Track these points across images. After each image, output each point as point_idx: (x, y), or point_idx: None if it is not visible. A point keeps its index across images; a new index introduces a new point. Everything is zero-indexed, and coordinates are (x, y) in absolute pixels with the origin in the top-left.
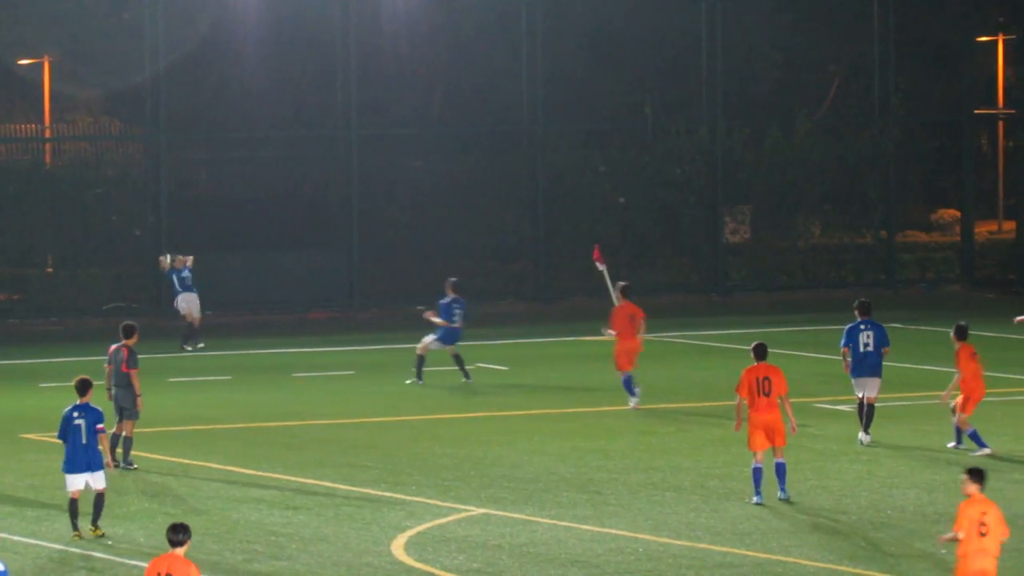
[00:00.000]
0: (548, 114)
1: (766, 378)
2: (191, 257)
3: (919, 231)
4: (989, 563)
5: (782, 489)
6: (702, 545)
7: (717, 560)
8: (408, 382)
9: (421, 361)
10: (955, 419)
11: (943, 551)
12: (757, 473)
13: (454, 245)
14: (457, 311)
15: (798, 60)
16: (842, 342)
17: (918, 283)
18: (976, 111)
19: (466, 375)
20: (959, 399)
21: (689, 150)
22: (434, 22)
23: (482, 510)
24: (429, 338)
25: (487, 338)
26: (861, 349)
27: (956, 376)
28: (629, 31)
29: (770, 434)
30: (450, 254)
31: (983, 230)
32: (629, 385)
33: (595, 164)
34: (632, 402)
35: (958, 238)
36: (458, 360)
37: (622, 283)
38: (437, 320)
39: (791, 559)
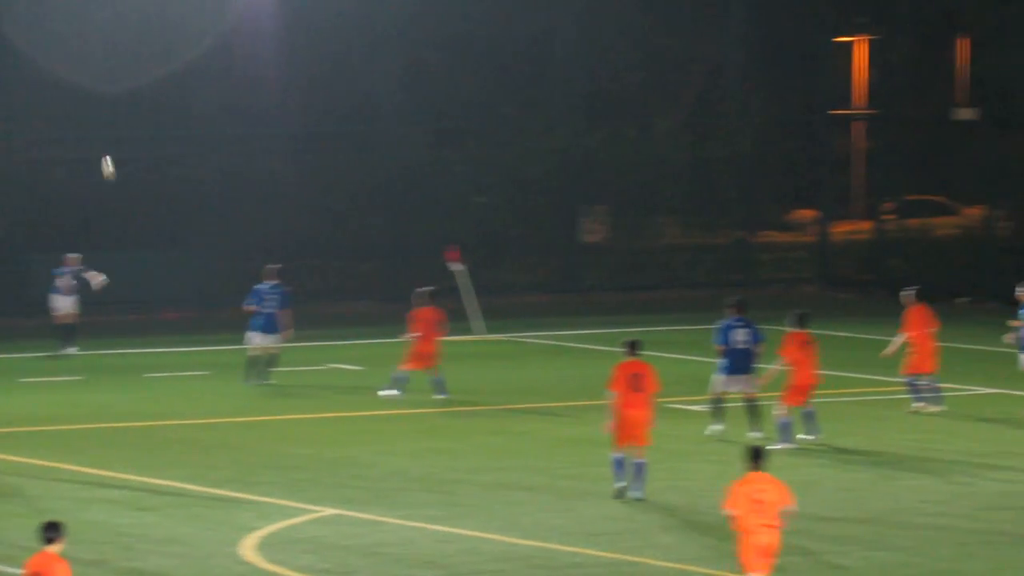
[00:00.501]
0: (405, 113)
1: (639, 374)
2: (79, 255)
3: (776, 231)
4: (771, 537)
5: (638, 488)
6: (553, 545)
7: (567, 560)
8: (248, 383)
9: (253, 362)
10: (804, 411)
11: (795, 552)
12: (619, 463)
13: (310, 244)
14: (271, 296)
15: (658, 60)
16: (717, 340)
17: (774, 283)
18: (833, 111)
19: (261, 377)
20: (787, 395)
21: (547, 149)
22: (291, 21)
23: (333, 510)
24: (250, 333)
25: (341, 338)
26: (736, 346)
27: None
28: (487, 29)
29: (636, 431)
30: (306, 253)
31: (839, 230)
32: (402, 381)
33: (452, 163)
34: (391, 392)
35: (815, 238)
36: (270, 360)
37: (429, 288)
38: (248, 308)
39: (642, 559)
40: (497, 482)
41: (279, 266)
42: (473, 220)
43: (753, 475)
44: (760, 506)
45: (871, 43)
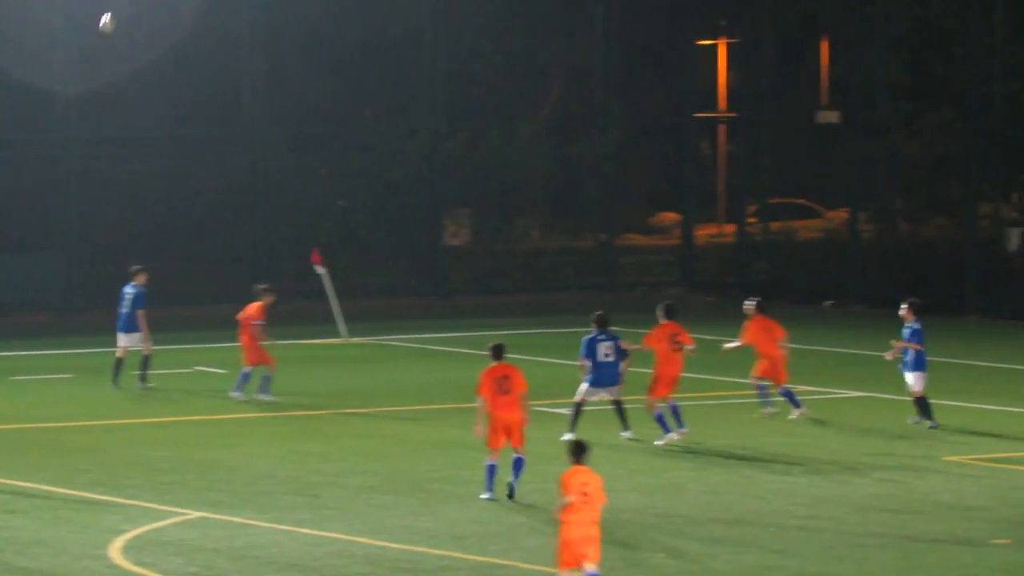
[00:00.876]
0: (268, 116)
1: (505, 376)
2: None
3: (639, 234)
4: (592, 530)
5: (515, 478)
6: (420, 548)
7: (435, 564)
8: (114, 386)
9: (118, 364)
10: (670, 405)
11: (662, 555)
12: (491, 470)
13: (174, 247)
14: (127, 296)
15: (520, 62)
16: (582, 353)
17: (637, 287)
18: (697, 114)
19: (114, 381)
20: (653, 388)
21: (409, 153)
22: (154, 23)
23: (200, 513)
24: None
25: (206, 341)
26: (601, 359)
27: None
28: (350, 32)
29: (509, 432)
30: (170, 256)
31: (703, 233)
32: (245, 379)
33: (315, 167)
34: (236, 395)
35: (678, 241)
36: (143, 362)
37: (264, 285)
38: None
39: (508, 562)
40: (365, 485)
41: (137, 267)
42: (336, 223)
43: (577, 468)
44: (586, 500)
45: (734, 46)
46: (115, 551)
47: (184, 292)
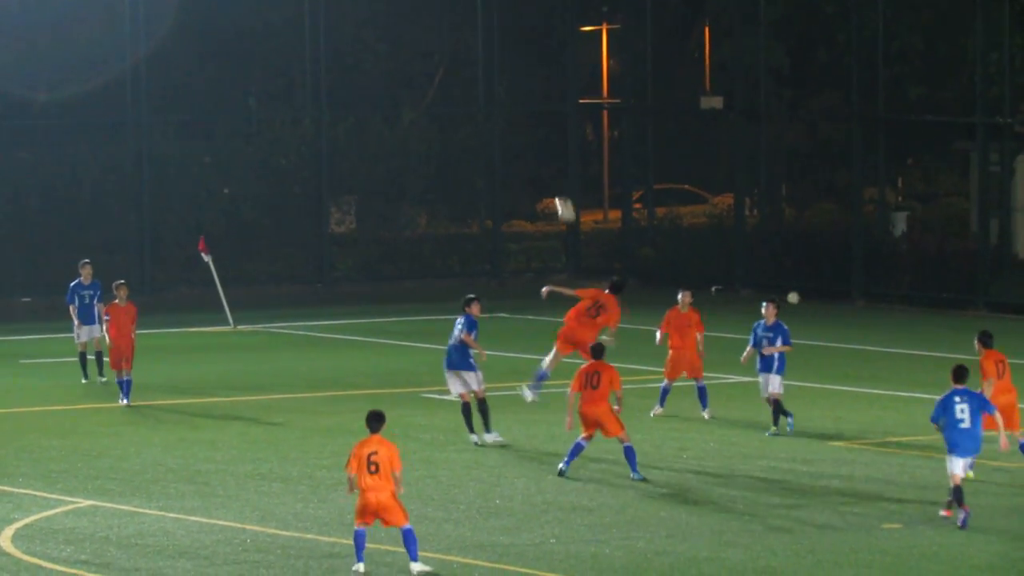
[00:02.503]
0: (152, 104)
1: (596, 372)
2: None
3: (525, 221)
4: (384, 496)
5: (634, 471)
6: (310, 535)
7: (325, 550)
8: (84, 381)
9: (83, 358)
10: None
11: (552, 540)
12: (578, 447)
13: (59, 237)
14: (85, 292)
15: (403, 50)
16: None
17: (524, 273)
18: (581, 100)
19: (85, 374)
20: None
21: (293, 140)
22: (35, 9)
23: (89, 502)
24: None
25: None
26: (452, 341)
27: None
28: (232, 20)
29: (599, 425)
30: (55, 246)
31: (589, 219)
32: (123, 385)
33: (200, 155)
34: (122, 400)
35: (564, 227)
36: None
37: (120, 282)
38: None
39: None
40: (254, 472)
41: (86, 260)
42: (222, 211)
43: (373, 439)
44: (375, 468)
45: (616, 32)
46: (5, 540)
47: (69, 281)
